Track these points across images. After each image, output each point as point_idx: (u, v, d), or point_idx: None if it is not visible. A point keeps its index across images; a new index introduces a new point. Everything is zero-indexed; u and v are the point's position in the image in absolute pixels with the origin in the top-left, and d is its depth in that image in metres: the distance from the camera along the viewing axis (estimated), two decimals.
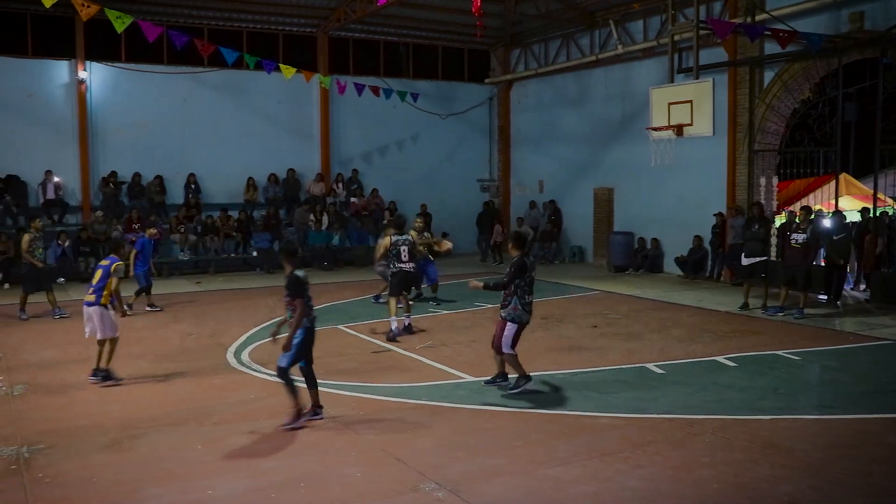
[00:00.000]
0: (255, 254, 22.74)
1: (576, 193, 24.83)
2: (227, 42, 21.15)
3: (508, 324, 9.38)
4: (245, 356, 11.77)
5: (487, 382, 9.88)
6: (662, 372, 10.72)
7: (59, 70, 22.24)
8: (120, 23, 15.24)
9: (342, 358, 11.64)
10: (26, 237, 15.34)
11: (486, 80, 27.71)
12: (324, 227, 23.63)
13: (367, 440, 7.95)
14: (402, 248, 13.32)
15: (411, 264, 13.44)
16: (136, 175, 22.77)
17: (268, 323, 13.79)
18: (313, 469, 7.18)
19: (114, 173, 22.44)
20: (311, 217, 23.77)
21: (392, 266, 13.36)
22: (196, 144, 23.59)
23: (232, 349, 12.24)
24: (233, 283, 20.20)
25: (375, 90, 22.78)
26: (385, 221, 21.16)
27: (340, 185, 25.24)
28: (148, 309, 15.83)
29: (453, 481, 6.77)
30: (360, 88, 22.29)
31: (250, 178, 24.04)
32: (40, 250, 15.39)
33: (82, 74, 22.15)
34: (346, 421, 8.57)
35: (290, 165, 24.69)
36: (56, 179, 21.74)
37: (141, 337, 13.26)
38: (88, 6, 14.77)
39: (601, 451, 7.56)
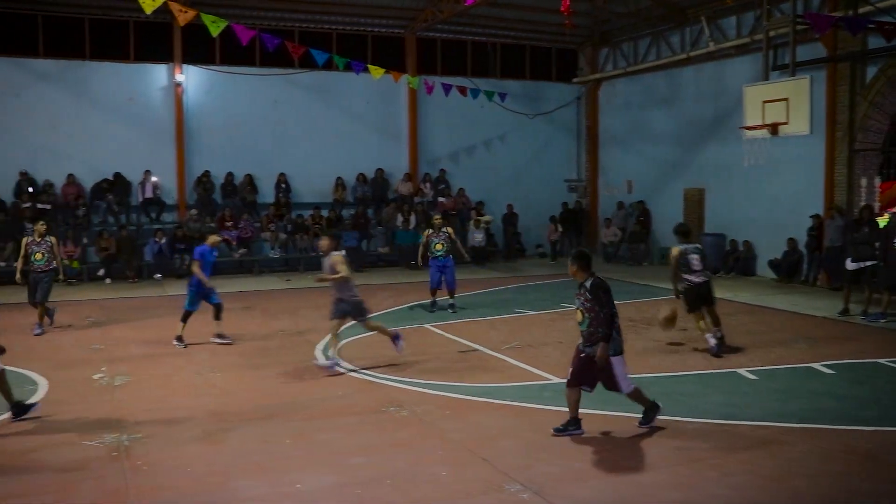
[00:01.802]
0: (343, 252, 22.99)
1: (665, 194, 24.41)
2: (317, 44, 21.51)
3: (613, 359, 7.89)
4: (333, 353, 11.92)
5: (558, 431, 8.03)
6: (755, 378, 10.43)
7: (158, 74, 23.01)
8: (215, 27, 15.62)
9: (429, 357, 11.69)
10: (24, 240, 14.26)
11: (574, 80, 27.48)
12: (411, 227, 23.79)
13: (452, 439, 7.96)
14: (692, 257, 11.76)
15: (701, 277, 11.76)
16: (229, 174, 23.37)
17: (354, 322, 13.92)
18: (399, 467, 7.23)
19: (207, 173, 23.09)
20: (399, 216, 23.98)
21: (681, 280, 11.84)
22: (286, 144, 24.06)
23: (320, 346, 12.43)
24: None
25: (463, 90, 22.85)
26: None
27: (428, 184, 25.40)
28: (217, 341, 12.82)
29: (538, 483, 6.73)
30: (447, 88, 22.37)
31: (339, 178, 24.40)
32: (39, 255, 13.82)
33: (179, 78, 22.87)
34: (433, 420, 8.61)
35: (378, 165, 24.97)
36: (154, 179, 22.49)
37: (231, 333, 13.58)
38: (186, 11, 15.21)
39: (690, 457, 7.41)
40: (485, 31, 25.85)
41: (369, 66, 20.00)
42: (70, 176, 21.90)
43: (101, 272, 20.48)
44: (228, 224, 22.14)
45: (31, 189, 21.43)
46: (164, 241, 21.14)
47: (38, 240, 13.89)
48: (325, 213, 23.64)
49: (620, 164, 26.57)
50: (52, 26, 22.27)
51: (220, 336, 12.79)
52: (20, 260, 14.10)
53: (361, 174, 24.61)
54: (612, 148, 27.07)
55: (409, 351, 11.98)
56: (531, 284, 19.56)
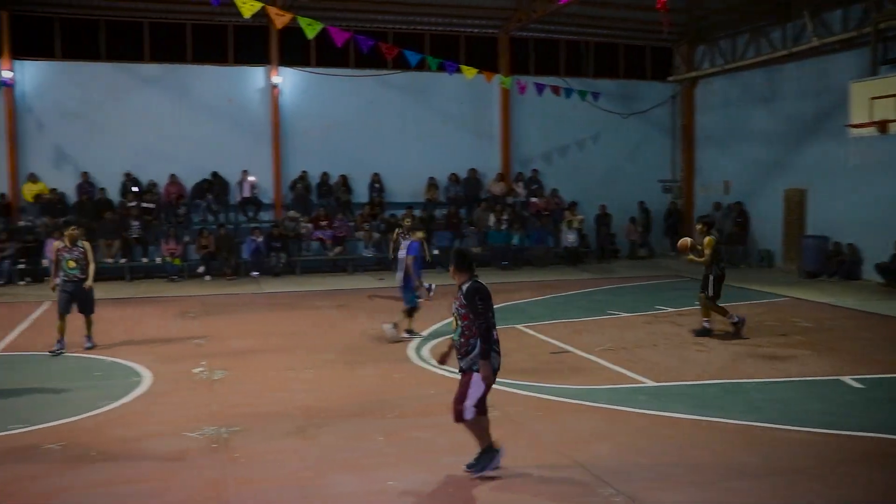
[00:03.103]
0: (436, 252, 23.12)
1: (764, 195, 23.71)
2: (411, 45, 21.67)
3: (475, 376, 6.85)
4: (425, 352, 12.00)
5: (470, 467, 7.04)
6: (861, 386, 10.02)
7: (256, 76, 23.59)
8: (311, 29, 15.89)
9: (521, 357, 11.63)
10: (55, 245, 12.60)
11: (669, 78, 26.95)
12: (503, 227, 23.75)
13: (544, 441, 7.91)
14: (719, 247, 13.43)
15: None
16: (324, 174, 23.77)
17: (446, 321, 13.96)
18: None
19: (304, 173, 23.55)
20: (491, 216, 23.97)
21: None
22: (380, 145, 24.31)
23: (413, 344, 12.51)
24: None
25: (556, 90, 22.69)
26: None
27: (521, 184, 25.31)
28: (406, 335, 13.05)
29: (632, 488, 6.62)
30: (540, 88, 22.25)
31: (431, 178, 24.54)
32: (72, 263, 12.16)
33: (276, 79, 23.39)
34: (524, 420, 8.56)
35: (470, 165, 25.02)
36: (251, 178, 23.06)
37: (325, 331, 13.82)
38: (283, 15, 15.53)
39: (792, 467, 7.17)
40: (578, 29, 25.60)
41: (462, 66, 20.04)
42: (172, 176, 22.65)
43: (201, 269, 21.09)
44: (323, 223, 22.52)
45: (135, 189, 22.28)
46: (261, 239, 21.62)
47: (70, 246, 12.18)
48: (417, 212, 23.79)
49: (717, 164, 25.95)
50: (157, 32, 23.12)
51: (409, 332, 13.05)
52: (53, 268, 12.43)
53: (454, 174, 24.70)
54: (708, 147, 26.47)
55: (503, 351, 11.96)
56: (625, 286, 19.27)
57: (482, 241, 23.64)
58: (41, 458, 7.49)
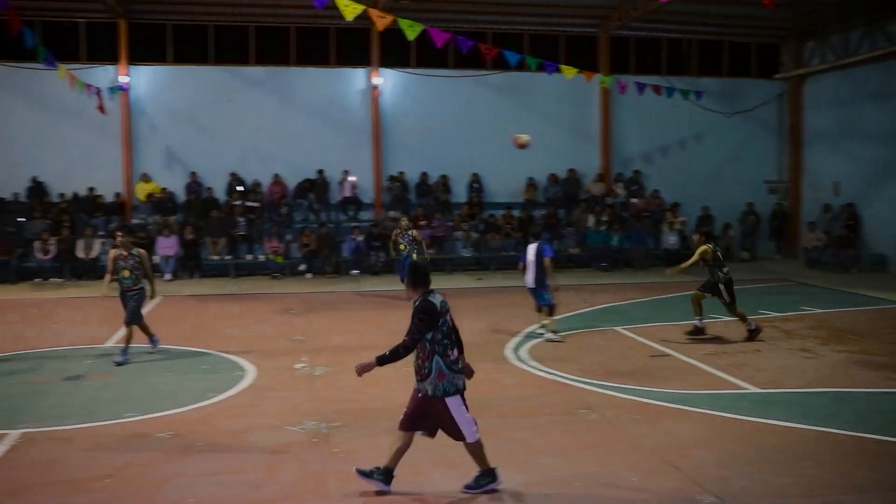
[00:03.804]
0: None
1: (878, 196, 22.75)
2: (510, 45, 21.65)
3: (447, 399, 6.58)
4: (523, 352, 11.98)
5: (468, 488, 6.76)
6: None
7: (357, 77, 24.00)
8: (411, 31, 16.01)
9: (620, 360, 11.50)
10: (111, 253, 11.84)
11: (776, 76, 26.13)
12: (602, 228, 23.49)
13: (643, 445, 7.79)
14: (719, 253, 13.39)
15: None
16: (423, 174, 23.98)
17: (544, 322, 13.92)
18: (589, 470, 7.15)
19: (401, 173, 23.83)
20: (591, 217, 23.74)
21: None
22: (479, 145, 24.37)
23: (511, 345, 12.50)
24: (512, 281, 20.54)
25: (657, 89, 22.30)
26: None
27: (620, 185, 24.99)
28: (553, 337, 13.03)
29: (734, 497, 6.46)
30: (641, 87, 21.92)
31: (530, 178, 24.46)
32: (126, 272, 11.53)
33: (376, 80, 23.73)
34: (623, 424, 8.46)
35: (569, 165, 24.84)
36: (351, 178, 23.48)
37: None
38: (384, 17, 15.71)
39: None
40: (680, 27, 25.10)
41: (562, 66, 19.90)
42: (275, 175, 23.24)
43: (303, 267, 21.55)
44: (422, 223, 22.71)
45: (240, 188, 22.97)
46: (361, 238, 21.96)
47: (125, 254, 11.57)
48: (516, 212, 23.76)
49: (826, 164, 25.03)
50: (262, 35, 23.79)
51: (553, 332, 12.99)
52: (108, 275, 11.75)
53: (553, 174, 24.57)
54: (817, 147, 25.55)
55: (602, 353, 11.86)
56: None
57: (581, 241, 23.44)
58: (153, 445, 7.80)
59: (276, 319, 15.14)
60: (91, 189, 22.61)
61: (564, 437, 8.05)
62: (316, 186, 23.41)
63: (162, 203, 22.46)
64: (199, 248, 21.64)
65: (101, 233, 21.31)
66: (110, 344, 12.64)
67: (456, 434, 6.66)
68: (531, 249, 13.24)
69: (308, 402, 9.31)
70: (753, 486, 6.72)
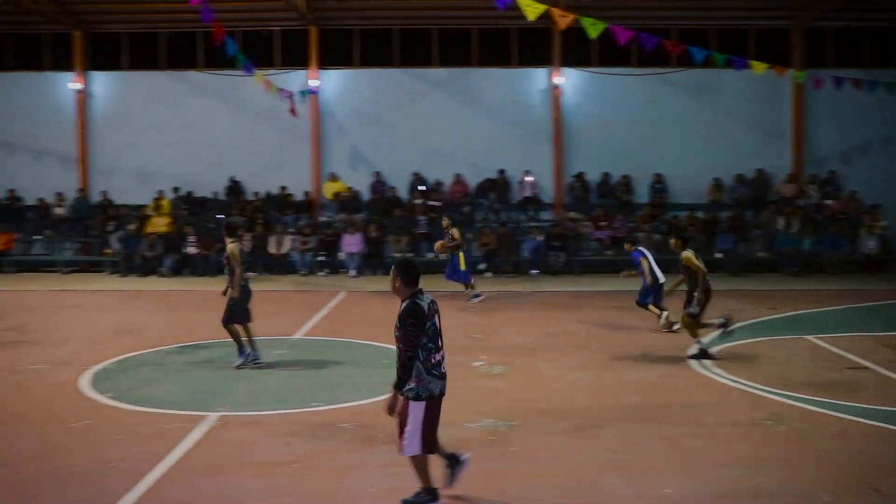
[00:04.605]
0: (719, 255, 22.21)
1: None
2: (695, 41, 20.92)
3: (412, 402, 6.13)
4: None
5: (405, 502, 6.35)
6: None
7: (538, 77, 24.03)
8: (594, 29, 15.79)
9: (812, 371, 10.87)
10: (234, 247, 11.14)
11: None
12: (793, 231, 22.30)
13: (835, 462, 7.33)
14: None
15: None
16: (605, 175, 23.66)
17: (735, 326, 13.38)
18: (774, 484, 6.80)
19: (581, 173, 23.61)
20: (780, 219, 22.60)
21: None
22: (662, 144, 23.80)
23: (692, 350, 12.10)
24: None
25: (858, 83, 20.89)
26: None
27: (814, 185, 23.64)
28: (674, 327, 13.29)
29: None
30: (838, 82, 20.61)
31: (716, 178, 23.62)
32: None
33: (558, 80, 23.64)
34: (814, 439, 7.99)
35: (758, 165, 23.78)
36: (531, 178, 23.52)
37: (604, 332, 13.73)
38: (565, 16, 15.60)
39: None
40: (886, 14, 23.40)
41: (752, 61, 19.06)
42: (457, 175, 23.63)
43: (482, 266, 21.77)
44: (602, 224, 22.44)
45: (422, 187, 23.52)
46: (541, 238, 21.93)
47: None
48: (700, 213, 23.01)
49: None
50: (444, 37, 24.26)
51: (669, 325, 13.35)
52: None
53: (740, 174, 23.60)
54: None
55: (789, 363, 11.29)
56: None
57: (769, 245, 22.37)
58: (336, 435, 8.11)
59: (455, 317, 15.33)
60: (283, 188, 23.86)
61: (746, 448, 7.69)
62: (497, 186, 23.63)
63: (348, 202, 23.36)
64: (383, 246, 22.32)
65: (290, 230, 22.40)
66: (298, 336, 13.26)
67: (399, 439, 6.23)
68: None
69: (486, 400, 9.38)
70: None
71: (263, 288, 18.43)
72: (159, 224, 22.71)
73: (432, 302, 6.27)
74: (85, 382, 10.28)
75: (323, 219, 23.65)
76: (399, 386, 6.07)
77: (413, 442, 6.11)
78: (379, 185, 23.83)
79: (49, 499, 6.62)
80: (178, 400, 9.41)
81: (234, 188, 24.11)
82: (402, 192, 23.77)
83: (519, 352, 12.02)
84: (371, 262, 22.02)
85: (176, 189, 23.91)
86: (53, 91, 24.58)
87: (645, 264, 13.98)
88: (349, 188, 23.76)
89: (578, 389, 9.97)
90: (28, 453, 7.67)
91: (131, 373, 10.81)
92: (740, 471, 7.07)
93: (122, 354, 11.72)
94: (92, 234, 23.24)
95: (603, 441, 7.95)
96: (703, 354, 11.46)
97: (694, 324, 11.48)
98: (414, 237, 22.48)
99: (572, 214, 22.95)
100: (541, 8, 14.80)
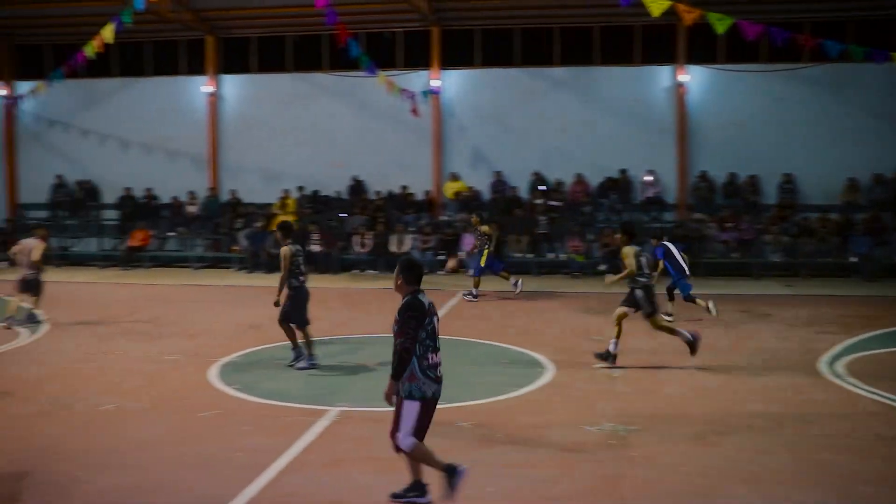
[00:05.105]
0: (853, 259, 21.18)
1: None
2: (831, 34, 20.03)
3: (405, 402, 6.21)
4: (840, 367, 11.04)
5: (395, 497, 6.44)
6: None
7: (662, 75, 23.50)
8: (721, 24, 15.34)
9: None
10: (287, 249, 10.96)
11: None
12: None
13: None
14: (643, 259, 11.49)
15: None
16: (731, 174, 22.94)
17: (870, 334, 12.76)
18: None
19: (705, 172, 22.96)
20: None
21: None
22: (791, 143, 22.85)
23: (825, 358, 11.57)
24: (827, 289, 19.09)
25: None
26: None
27: None
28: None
29: None
30: None
31: (851, 178, 22.51)
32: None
33: (682, 78, 23.06)
34: None
35: None
36: (648, 178, 23.07)
37: (728, 336, 13.31)
38: (691, 12, 15.20)
39: None
40: None
41: (894, 54, 18.07)
42: (577, 175, 23.37)
43: (603, 267, 21.43)
44: (728, 225, 21.75)
45: (542, 187, 23.39)
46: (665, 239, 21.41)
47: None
48: (833, 215, 22.00)
49: None
50: (566, 36, 24.04)
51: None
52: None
53: (878, 174, 22.40)
54: None
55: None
56: None
57: None
58: (455, 434, 8.13)
59: (575, 318, 15.21)
60: (404, 187, 24.17)
61: (888, 466, 7.27)
62: (618, 186, 23.25)
63: (468, 201, 23.44)
64: (503, 246, 22.29)
65: (411, 229, 22.66)
66: None
67: (393, 434, 6.29)
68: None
69: (606, 403, 9.24)
70: None
71: (383, 286, 18.74)
72: None
73: (431, 303, 6.35)
74: (213, 374, 10.68)
75: (443, 218, 23.83)
76: (396, 376, 6.16)
77: (405, 438, 6.23)
78: (499, 184, 23.83)
79: (182, 483, 6.92)
80: (300, 394, 9.67)
81: (357, 187, 24.59)
82: (523, 192, 23.70)
83: (639, 354, 11.77)
84: None
85: (301, 188, 24.56)
86: (187, 94, 25.68)
87: (668, 260, 14.55)
88: (470, 187, 23.86)
89: (701, 394, 9.68)
90: (163, 439, 8.06)
91: (256, 366, 11.15)
92: (878, 488, 6.69)
93: (247, 348, 12.12)
94: (221, 232, 24.14)
95: (727, 449, 7.68)
96: (608, 355, 11.17)
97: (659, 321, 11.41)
98: (534, 237, 22.37)
99: (697, 215, 22.34)
100: (665, 4, 14.51)
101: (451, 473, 6.23)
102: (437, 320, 6.37)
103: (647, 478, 6.95)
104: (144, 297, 18.05)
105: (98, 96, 26.12)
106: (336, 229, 23.29)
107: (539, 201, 23.09)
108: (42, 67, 25.76)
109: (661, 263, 14.40)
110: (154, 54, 26.33)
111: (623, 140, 23.35)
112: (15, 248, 14.72)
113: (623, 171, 23.24)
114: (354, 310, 16.28)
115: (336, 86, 24.67)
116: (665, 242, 15.03)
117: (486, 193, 23.97)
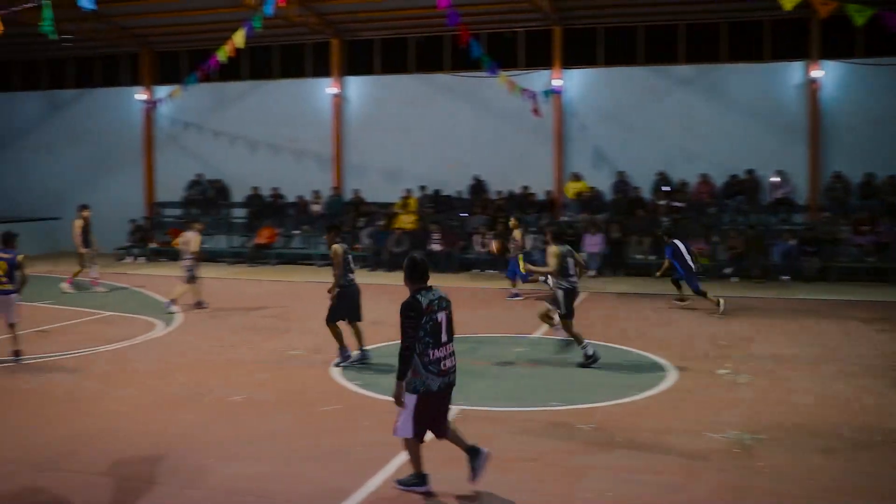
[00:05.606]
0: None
1: None
2: None
3: (408, 395, 6.47)
4: None
5: (399, 482, 6.77)
6: None
7: (793, 71, 22.55)
8: (860, 16, 14.62)
9: None
10: (338, 247, 11.35)
11: None
12: None
13: None
14: (570, 260, 11.42)
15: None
16: (868, 175, 21.82)
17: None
18: None
19: (838, 173, 21.94)
20: None
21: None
22: None
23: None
24: None
25: None
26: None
27: None
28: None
29: None
30: None
31: None
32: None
33: (815, 74, 22.09)
34: None
35: None
36: (774, 179, 22.25)
37: (862, 345, 12.71)
38: (827, 4, 14.57)
39: None
40: None
41: None
42: (702, 175, 22.75)
43: (728, 270, 20.82)
44: (864, 228, 20.71)
45: (666, 188, 22.88)
46: (793, 242, 20.64)
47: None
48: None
49: None
50: (691, 33, 23.44)
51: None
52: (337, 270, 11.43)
53: None
54: None
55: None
56: None
57: None
58: (575, 435, 8.06)
59: (700, 322, 14.83)
60: (524, 187, 24.08)
61: None
62: (745, 187, 22.50)
63: (589, 201, 23.18)
64: (624, 247, 21.96)
65: (532, 229, 22.55)
66: (537, 335, 13.31)
67: (394, 423, 6.59)
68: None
69: (731, 410, 8.96)
70: None
71: (505, 286, 18.72)
72: (406, 221, 23.73)
73: (439, 299, 6.52)
74: (335, 370, 10.93)
75: (564, 218, 23.63)
76: (400, 376, 6.41)
77: (405, 427, 6.49)
78: (622, 184, 23.45)
79: (303, 475, 7.13)
80: None
81: (477, 187, 24.67)
82: (646, 193, 23.25)
83: (766, 361, 11.38)
84: (611, 262, 21.72)
85: (423, 187, 24.83)
86: (313, 96, 26.35)
87: (676, 259, 15.53)
88: (591, 188, 23.58)
89: (831, 405, 9.26)
90: (288, 431, 8.33)
91: (377, 362, 11.33)
92: None
93: (369, 345, 12.34)
94: (344, 230, 24.61)
95: (860, 465, 7.33)
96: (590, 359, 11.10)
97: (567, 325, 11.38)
98: (657, 238, 21.90)
99: (825, 215, 21.34)
100: None
101: (422, 481, 6.63)
102: (447, 315, 6.57)
103: (773, 490, 6.72)
104: (270, 294, 18.64)
105: (228, 99, 27.16)
106: (457, 228, 23.44)
107: (662, 202, 22.61)
108: (178, 72, 26.98)
109: (666, 261, 16.09)
110: (281, 57, 27.15)
111: (750, 139, 22.58)
112: (178, 240, 16.44)
113: (750, 172, 22.46)
114: (476, 310, 16.32)
115: (458, 86, 24.82)
116: (674, 241, 15.88)
117: (608, 194, 23.64)
